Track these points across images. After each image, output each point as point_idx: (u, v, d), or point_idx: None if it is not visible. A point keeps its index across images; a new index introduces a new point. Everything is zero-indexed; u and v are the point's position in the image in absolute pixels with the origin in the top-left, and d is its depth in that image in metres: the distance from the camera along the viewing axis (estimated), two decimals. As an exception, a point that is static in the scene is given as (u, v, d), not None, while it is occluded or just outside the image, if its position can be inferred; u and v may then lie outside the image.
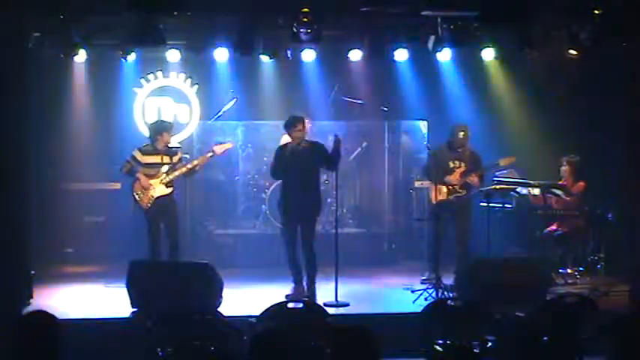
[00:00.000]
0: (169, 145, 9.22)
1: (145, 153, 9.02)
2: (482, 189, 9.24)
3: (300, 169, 8.54)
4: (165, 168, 8.97)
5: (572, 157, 9.75)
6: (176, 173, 9.01)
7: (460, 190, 9.20)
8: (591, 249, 9.75)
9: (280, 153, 8.72)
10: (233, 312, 7.40)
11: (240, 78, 10.93)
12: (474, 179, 9.16)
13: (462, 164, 9.23)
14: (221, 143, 9.27)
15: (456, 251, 9.12)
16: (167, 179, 8.97)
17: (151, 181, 8.94)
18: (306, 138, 8.70)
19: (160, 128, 9.13)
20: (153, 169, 8.99)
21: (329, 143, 8.67)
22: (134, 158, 9.01)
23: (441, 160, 9.24)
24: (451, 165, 9.25)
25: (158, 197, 8.93)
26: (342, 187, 10.21)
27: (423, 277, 9.31)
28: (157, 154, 9.02)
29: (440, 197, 9.17)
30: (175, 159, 9.12)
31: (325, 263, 8.71)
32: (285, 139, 8.99)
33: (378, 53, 9.65)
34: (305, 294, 8.41)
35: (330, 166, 8.75)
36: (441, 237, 9.12)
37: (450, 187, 9.22)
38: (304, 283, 8.56)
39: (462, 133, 9.20)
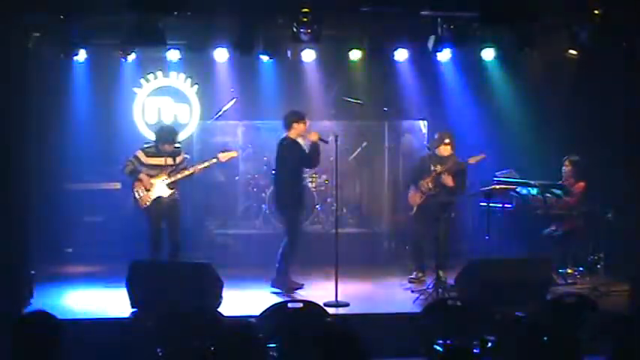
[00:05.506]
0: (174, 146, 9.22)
1: (148, 154, 9.01)
2: (483, 189, 9.27)
3: (282, 166, 8.82)
4: (168, 169, 8.97)
5: (574, 157, 9.76)
6: (179, 176, 8.99)
7: (432, 188, 9.32)
8: (591, 249, 9.74)
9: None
10: (233, 312, 7.41)
11: (240, 78, 10.92)
12: (446, 179, 9.22)
13: (442, 168, 9.32)
14: (227, 151, 9.28)
15: (437, 250, 9.09)
16: (169, 180, 8.97)
17: (153, 181, 8.94)
18: (299, 137, 8.84)
19: (164, 139, 8.99)
20: (155, 169, 8.99)
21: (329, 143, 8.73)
22: (137, 159, 9.00)
23: (425, 164, 9.48)
24: (432, 168, 9.39)
25: (158, 197, 8.93)
26: (342, 187, 10.22)
27: (411, 277, 9.43)
28: (160, 155, 9.01)
29: (419, 201, 9.42)
30: (179, 159, 9.10)
31: (325, 263, 8.70)
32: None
33: (378, 53, 9.68)
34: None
35: (306, 165, 9.02)
36: (422, 239, 9.45)
37: (425, 188, 9.38)
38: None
39: (447, 139, 9.35)
